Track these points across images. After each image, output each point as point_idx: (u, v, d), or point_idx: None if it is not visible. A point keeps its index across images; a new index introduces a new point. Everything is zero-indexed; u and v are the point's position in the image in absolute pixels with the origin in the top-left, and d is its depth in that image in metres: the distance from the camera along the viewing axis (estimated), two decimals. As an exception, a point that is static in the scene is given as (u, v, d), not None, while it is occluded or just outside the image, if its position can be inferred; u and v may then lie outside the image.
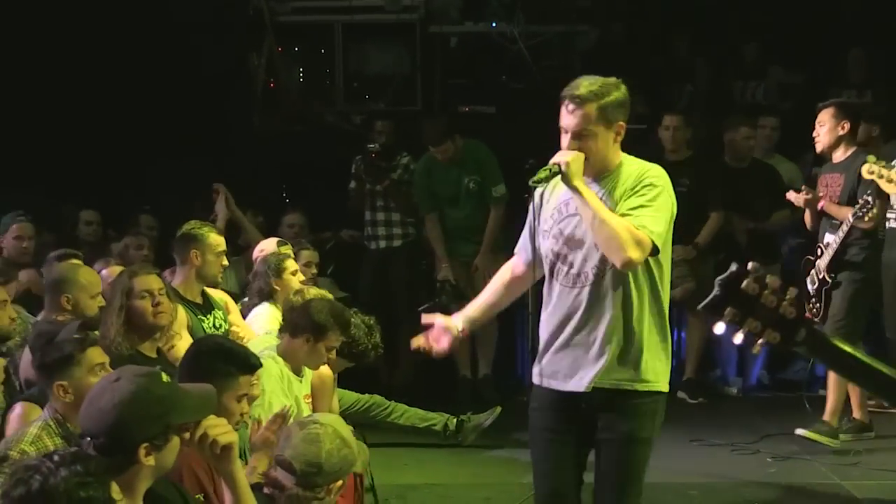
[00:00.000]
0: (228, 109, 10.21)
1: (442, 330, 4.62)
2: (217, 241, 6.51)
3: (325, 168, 9.72)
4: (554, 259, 4.45)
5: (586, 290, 4.37)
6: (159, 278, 5.73)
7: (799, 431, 7.45)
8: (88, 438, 3.25)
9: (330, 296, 6.21)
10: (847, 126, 7.37)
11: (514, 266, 4.72)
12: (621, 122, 4.36)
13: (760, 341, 2.57)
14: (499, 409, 7.48)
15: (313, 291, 6.07)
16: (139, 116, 9.96)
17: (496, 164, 8.84)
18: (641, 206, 4.28)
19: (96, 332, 5.28)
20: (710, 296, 2.59)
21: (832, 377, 7.50)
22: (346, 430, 3.91)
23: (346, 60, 10.55)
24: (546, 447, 4.54)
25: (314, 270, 7.57)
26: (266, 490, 3.91)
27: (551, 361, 4.46)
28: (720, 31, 11.40)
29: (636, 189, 4.32)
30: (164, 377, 3.41)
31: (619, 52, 10.37)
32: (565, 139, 4.36)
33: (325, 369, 6.02)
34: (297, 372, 5.73)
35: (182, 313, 6.08)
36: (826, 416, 7.46)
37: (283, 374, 5.65)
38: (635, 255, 4.21)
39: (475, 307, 4.78)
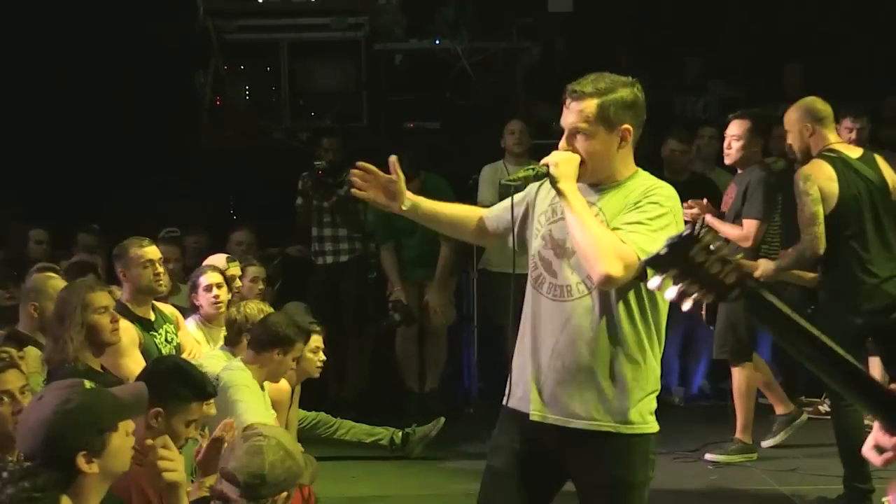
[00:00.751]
0: (175, 127, 10.24)
1: (388, 183, 4.16)
2: (139, 252, 6.30)
3: (272, 184, 9.77)
4: (539, 263, 3.93)
5: (569, 305, 3.83)
6: (110, 296, 5.73)
7: (708, 456, 7.46)
8: (27, 462, 3.25)
9: (268, 308, 6.29)
10: (761, 144, 7.37)
11: (480, 215, 4.32)
12: (627, 126, 3.81)
13: (694, 296, 2.46)
14: (443, 419, 7.58)
15: (251, 306, 6.14)
16: (85, 134, 9.96)
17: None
18: (638, 223, 3.72)
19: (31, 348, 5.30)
20: (656, 253, 2.48)
21: (737, 394, 7.44)
22: (291, 443, 3.97)
23: (292, 78, 10.59)
24: (501, 477, 3.99)
25: (261, 286, 7.62)
26: (213, 503, 3.97)
27: (525, 383, 3.94)
28: (661, 46, 11.56)
29: (639, 204, 3.77)
30: (88, 384, 3.42)
31: (561, 67, 10.49)
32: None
33: (283, 383, 6.11)
34: (260, 387, 5.83)
35: (133, 331, 6.06)
36: (737, 434, 7.46)
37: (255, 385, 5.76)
38: (614, 270, 3.62)
39: (428, 203, 4.35)
